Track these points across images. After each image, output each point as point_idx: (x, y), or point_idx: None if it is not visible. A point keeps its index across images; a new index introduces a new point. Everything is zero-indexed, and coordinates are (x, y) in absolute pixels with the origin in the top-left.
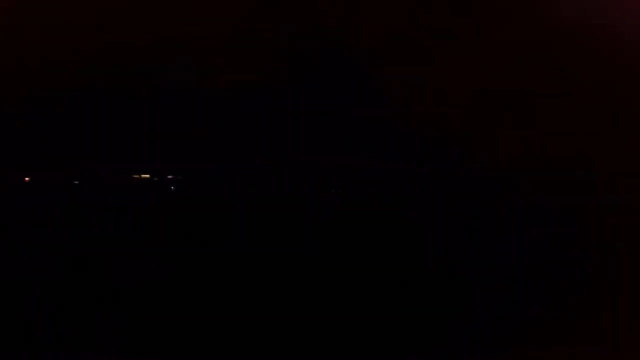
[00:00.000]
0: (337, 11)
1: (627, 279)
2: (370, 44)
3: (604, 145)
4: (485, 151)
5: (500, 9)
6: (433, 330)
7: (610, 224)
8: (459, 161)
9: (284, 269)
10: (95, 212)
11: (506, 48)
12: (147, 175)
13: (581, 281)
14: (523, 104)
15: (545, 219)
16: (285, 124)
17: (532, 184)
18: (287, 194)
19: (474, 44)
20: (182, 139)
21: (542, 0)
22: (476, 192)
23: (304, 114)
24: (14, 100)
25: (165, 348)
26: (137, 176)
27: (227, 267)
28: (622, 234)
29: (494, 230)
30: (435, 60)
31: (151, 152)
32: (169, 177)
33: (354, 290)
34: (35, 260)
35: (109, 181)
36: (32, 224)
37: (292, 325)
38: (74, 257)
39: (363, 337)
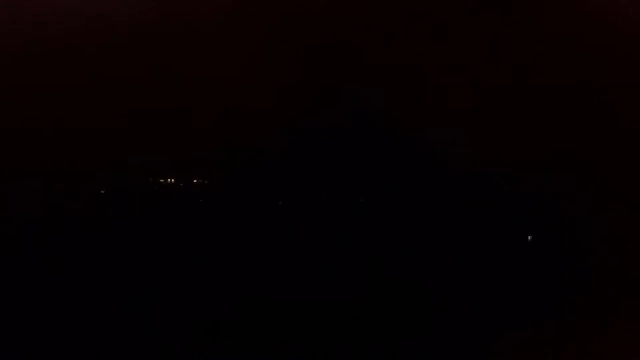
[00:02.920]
0: (339, 13)
1: (628, 279)
2: (371, 44)
3: (603, 145)
4: (484, 151)
5: (501, 11)
6: (433, 330)
7: (610, 223)
8: (459, 161)
9: (282, 269)
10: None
11: (506, 49)
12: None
13: (581, 282)
14: (523, 105)
15: (545, 220)
16: (284, 125)
17: (531, 183)
18: (287, 194)
19: (475, 45)
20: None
21: (543, 1)
22: (475, 192)
23: (302, 115)
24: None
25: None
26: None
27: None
28: (622, 234)
29: (493, 230)
30: (434, 60)
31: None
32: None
33: (352, 290)
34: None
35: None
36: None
37: (291, 327)
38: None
39: (363, 336)
